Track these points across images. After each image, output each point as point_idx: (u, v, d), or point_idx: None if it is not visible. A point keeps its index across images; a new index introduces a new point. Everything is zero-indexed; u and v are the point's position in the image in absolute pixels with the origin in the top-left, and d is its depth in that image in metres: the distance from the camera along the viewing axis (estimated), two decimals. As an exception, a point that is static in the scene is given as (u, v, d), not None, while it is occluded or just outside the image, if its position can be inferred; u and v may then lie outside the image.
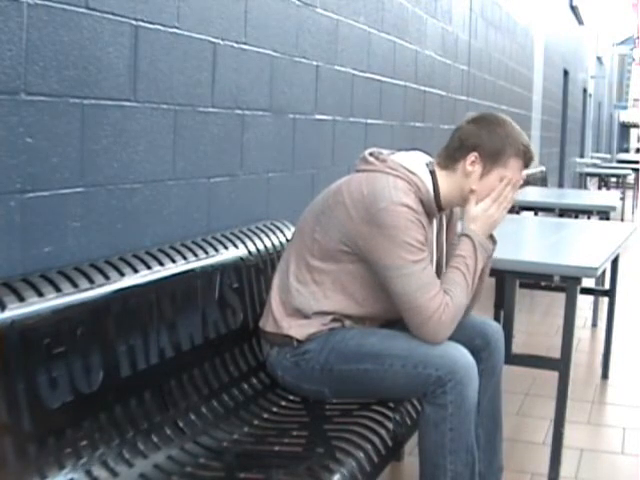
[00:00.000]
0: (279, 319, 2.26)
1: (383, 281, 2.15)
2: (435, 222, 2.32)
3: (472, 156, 2.23)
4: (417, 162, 2.25)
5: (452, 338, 2.17)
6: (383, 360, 2.13)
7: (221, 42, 2.58)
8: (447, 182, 2.25)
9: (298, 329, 2.23)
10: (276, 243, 2.68)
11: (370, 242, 2.12)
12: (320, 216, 2.23)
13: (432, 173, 2.25)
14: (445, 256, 2.37)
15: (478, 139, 2.23)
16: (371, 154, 2.28)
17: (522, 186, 7.44)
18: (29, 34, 1.80)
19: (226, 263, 2.36)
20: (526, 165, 2.27)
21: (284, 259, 2.34)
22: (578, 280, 2.73)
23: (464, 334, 2.30)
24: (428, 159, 2.30)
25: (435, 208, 2.25)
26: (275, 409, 2.27)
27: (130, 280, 1.97)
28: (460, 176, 2.25)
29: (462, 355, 2.09)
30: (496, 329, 2.38)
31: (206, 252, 2.31)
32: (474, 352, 2.20)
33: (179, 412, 2.05)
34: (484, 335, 2.33)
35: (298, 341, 2.23)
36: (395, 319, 2.25)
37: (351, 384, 2.20)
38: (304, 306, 2.23)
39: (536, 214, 6.22)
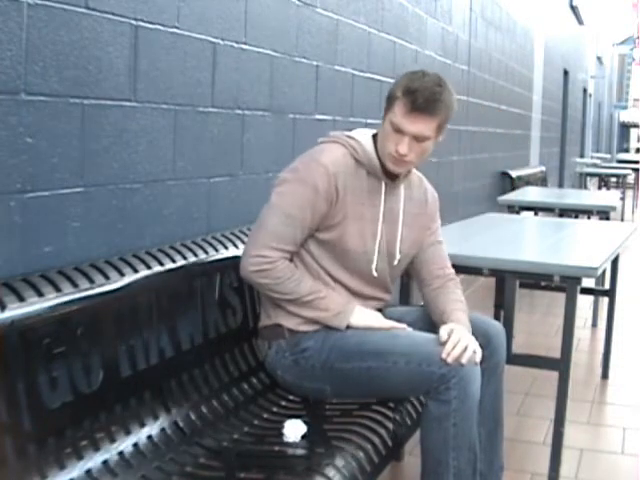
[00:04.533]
0: (268, 309, 2.31)
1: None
2: (384, 186, 2.31)
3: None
4: (363, 130, 2.34)
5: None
6: (386, 358, 2.13)
7: (221, 42, 2.58)
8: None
9: (287, 317, 2.25)
10: (276, 243, 2.68)
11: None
12: None
13: (374, 136, 2.30)
14: (400, 228, 2.36)
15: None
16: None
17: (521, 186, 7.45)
18: (29, 34, 1.80)
19: (226, 263, 2.36)
20: (413, 108, 2.13)
21: None
22: (578, 280, 2.73)
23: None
24: None
25: (379, 168, 2.27)
26: (275, 409, 2.27)
27: (130, 280, 1.97)
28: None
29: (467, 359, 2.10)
30: (498, 328, 2.38)
31: (206, 252, 2.31)
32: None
33: (179, 412, 2.05)
34: (485, 334, 2.33)
35: (290, 330, 2.24)
36: (372, 291, 2.35)
37: (353, 382, 2.20)
38: None
39: (536, 214, 6.22)
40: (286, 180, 2.24)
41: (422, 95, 2.13)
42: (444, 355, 2.05)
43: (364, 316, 2.24)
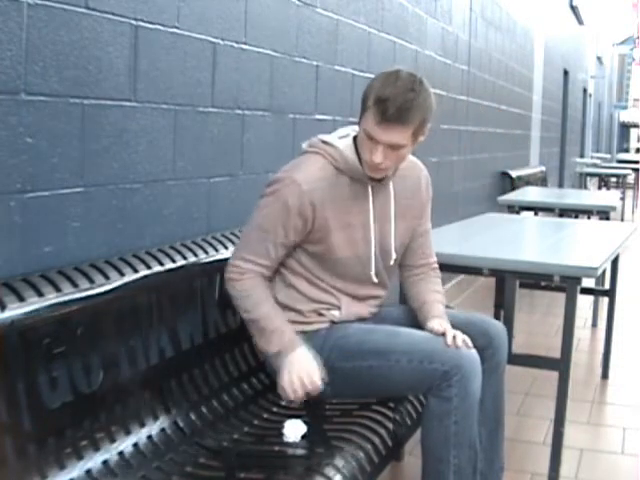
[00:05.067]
0: None
1: None
2: (370, 189, 2.25)
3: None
4: (341, 133, 2.27)
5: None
6: (388, 356, 2.13)
7: (221, 42, 2.58)
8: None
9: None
10: (276, 243, 2.68)
11: None
12: None
13: (355, 138, 2.23)
14: (393, 226, 2.31)
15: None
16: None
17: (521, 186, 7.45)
18: (29, 34, 1.80)
19: (226, 263, 2.36)
20: (382, 119, 2.04)
21: None
22: (578, 280, 2.73)
23: (467, 333, 2.30)
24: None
25: (362, 173, 2.20)
26: (275, 409, 2.27)
27: (130, 279, 1.97)
28: None
29: (467, 349, 2.11)
30: (500, 328, 2.38)
31: (206, 252, 2.31)
32: (477, 351, 2.20)
33: (179, 412, 2.05)
34: (487, 334, 2.33)
35: None
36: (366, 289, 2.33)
37: (354, 381, 2.19)
38: (288, 301, 2.25)
39: (536, 214, 6.22)
40: (265, 194, 2.21)
41: (393, 104, 2.03)
42: (449, 341, 2.10)
43: (296, 367, 2.09)
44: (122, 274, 1.95)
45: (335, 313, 2.26)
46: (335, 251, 2.22)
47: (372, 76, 2.17)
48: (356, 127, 2.28)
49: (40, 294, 1.71)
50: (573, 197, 6.27)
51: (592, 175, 14.18)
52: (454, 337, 2.12)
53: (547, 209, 5.85)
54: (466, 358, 2.08)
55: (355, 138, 2.24)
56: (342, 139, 2.24)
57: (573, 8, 12.95)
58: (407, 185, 2.37)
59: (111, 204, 2.12)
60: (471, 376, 2.07)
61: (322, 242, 2.21)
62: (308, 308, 2.26)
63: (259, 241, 2.19)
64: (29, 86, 1.81)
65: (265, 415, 2.22)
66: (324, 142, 2.23)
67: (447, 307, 2.63)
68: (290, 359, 2.11)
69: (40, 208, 1.87)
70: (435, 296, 2.37)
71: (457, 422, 2.08)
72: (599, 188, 14.50)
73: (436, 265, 2.49)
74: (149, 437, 1.92)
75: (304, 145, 2.29)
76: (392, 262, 2.35)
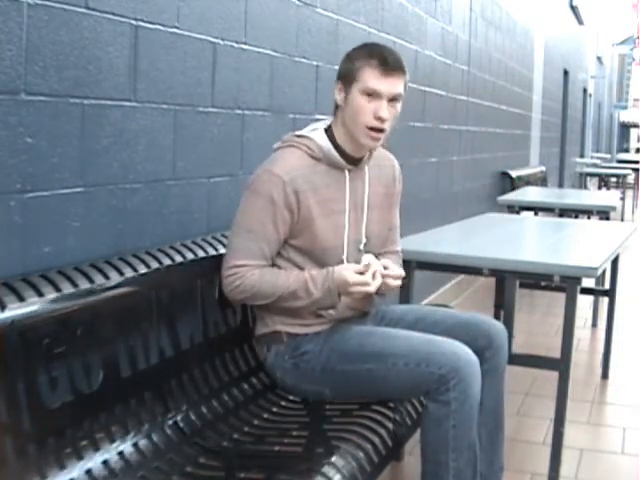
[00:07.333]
0: (265, 317, 2.29)
1: None
2: (347, 174, 2.28)
3: (337, 86, 2.24)
4: (314, 126, 2.31)
5: (455, 337, 2.20)
6: (386, 359, 2.13)
7: (221, 42, 2.58)
8: (336, 124, 2.27)
9: (285, 322, 2.25)
10: (276, 243, 2.67)
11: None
12: None
13: (328, 129, 2.28)
14: (365, 211, 2.32)
15: (338, 69, 2.26)
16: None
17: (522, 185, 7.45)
18: (29, 34, 1.80)
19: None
20: (385, 69, 2.15)
21: None
22: (578, 280, 2.73)
23: (468, 334, 2.30)
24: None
25: (339, 159, 2.25)
26: (275, 409, 2.27)
27: (129, 277, 1.97)
28: (339, 111, 2.26)
29: (465, 353, 2.10)
30: (500, 329, 2.38)
31: (206, 252, 2.31)
32: (478, 352, 2.20)
33: (179, 412, 2.05)
34: (487, 335, 2.33)
35: (288, 334, 2.24)
36: None
37: (353, 384, 2.20)
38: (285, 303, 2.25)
39: (536, 214, 6.22)
40: (244, 197, 2.22)
41: (390, 55, 2.18)
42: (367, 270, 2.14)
43: (344, 279, 2.15)
44: (122, 274, 1.95)
45: (331, 312, 2.26)
46: (321, 241, 2.22)
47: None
48: (326, 121, 2.31)
49: (40, 294, 1.71)
50: (573, 197, 6.27)
51: (592, 175, 14.18)
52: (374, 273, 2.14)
53: (547, 209, 5.85)
54: (464, 361, 2.08)
55: (326, 129, 2.27)
56: (314, 131, 2.28)
57: (573, 8, 12.95)
58: (382, 174, 2.39)
59: (111, 204, 2.12)
60: (470, 380, 2.06)
61: (306, 233, 2.21)
62: (306, 310, 2.25)
63: (249, 243, 2.18)
64: (29, 86, 1.81)
65: (265, 415, 2.22)
66: (297, 136, 2.27)
67: (447, 307, 2.65)
68: (338, 285, 2.15)
69: (40, 208, 1.87)
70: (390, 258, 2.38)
71: (455, 426, 2.08)
72: (599, 188, 14.50)
73: (400, 254, 2.54)
74: (149, 437, 1.92)
75: (276, 144, 2.31)
76: (361, 246, 2.32)
